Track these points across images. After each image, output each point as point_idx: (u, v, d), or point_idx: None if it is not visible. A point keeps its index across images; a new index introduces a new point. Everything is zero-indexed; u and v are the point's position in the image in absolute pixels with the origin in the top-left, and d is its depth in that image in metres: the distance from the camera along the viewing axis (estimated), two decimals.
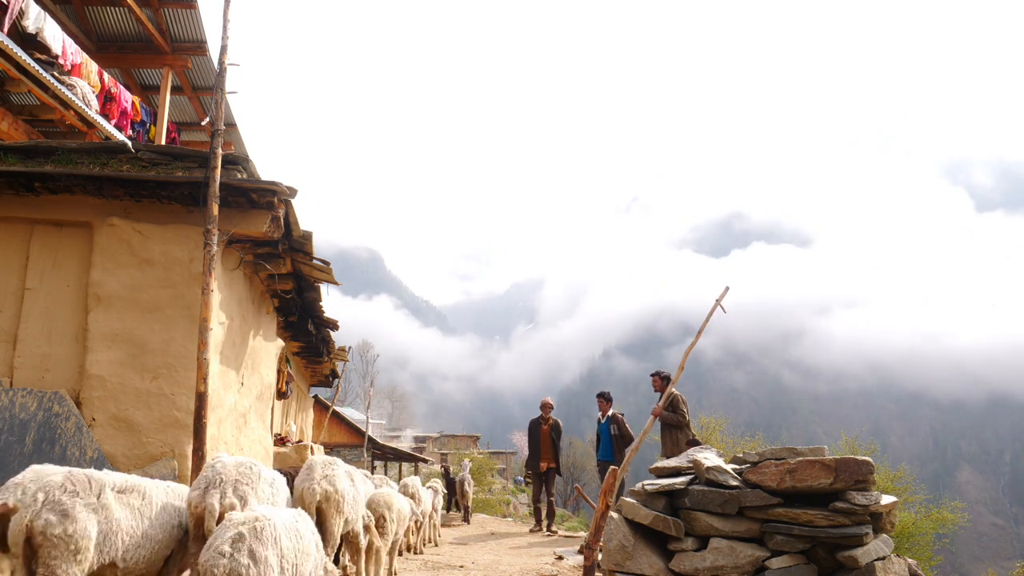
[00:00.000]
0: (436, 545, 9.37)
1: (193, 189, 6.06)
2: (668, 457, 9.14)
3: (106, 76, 10.52)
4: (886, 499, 4.91)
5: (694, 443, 8.58)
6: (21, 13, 8.38)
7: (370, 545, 5.57)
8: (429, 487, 9.74)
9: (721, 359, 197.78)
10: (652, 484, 5.26)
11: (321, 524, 4.51)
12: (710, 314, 8.88)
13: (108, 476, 3.36)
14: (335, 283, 8.45)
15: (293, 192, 6.39)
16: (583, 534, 10.63)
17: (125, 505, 3.37)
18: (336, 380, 18.00)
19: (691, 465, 5.36)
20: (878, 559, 4.72)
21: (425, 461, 33.20)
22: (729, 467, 5.18)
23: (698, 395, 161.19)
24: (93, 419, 5.84)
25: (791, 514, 4.75)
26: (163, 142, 11.92)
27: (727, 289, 9.25)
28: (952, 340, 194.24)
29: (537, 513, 11.87)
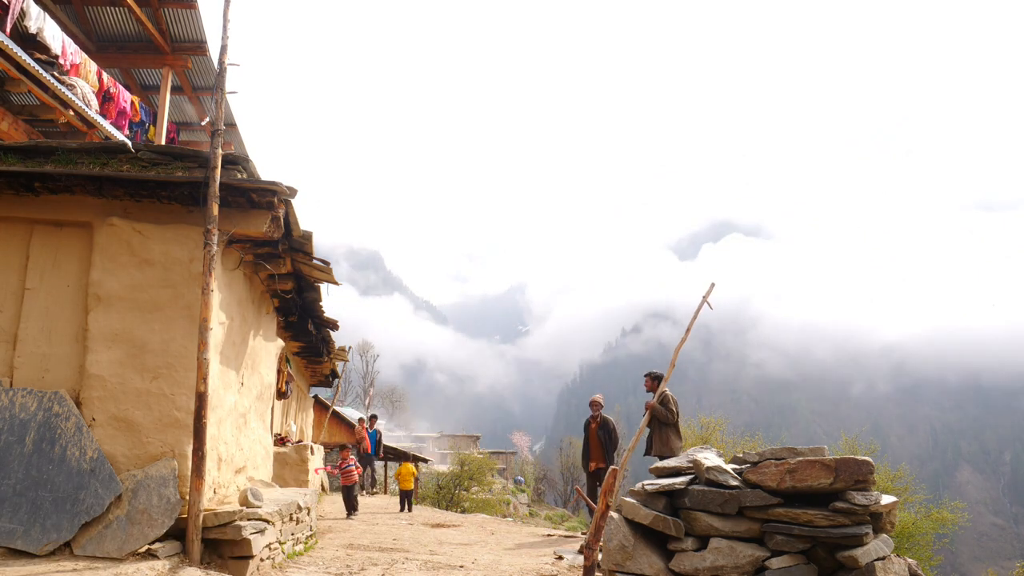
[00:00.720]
0: None
1: (193, 189, 6.06)
2: (658, 456, 9.15)
3: (105, 76, 10.53)
4: (886, 499, 4.91)
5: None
6: (22, 13, 8.39)
7: None
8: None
9: (722, 359, 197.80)
10: (652, 484, 5.25)
11: None
12: (698, 311, 8.90)
13: None
14: (335, 283, 8.45)
15: (293, 192, 6.39)
16: (583, 534, 10.62)
17: None
18: (336, 380, 18.02)
19: (691, 465, 5.36)
20: (878, 559, 4.72)
21: (425, 461, 33.20)
22: (729, 467, 5.18)
23: (698, 395, 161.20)
24: (93, 419, 5.83)
25: (791, 514, 4.75)
26: (163, 142, 11.93)
27: (713, 286, 9.27)
28: (950, 338, 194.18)
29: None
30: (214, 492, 6.42)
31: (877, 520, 4.88)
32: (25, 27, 8.50)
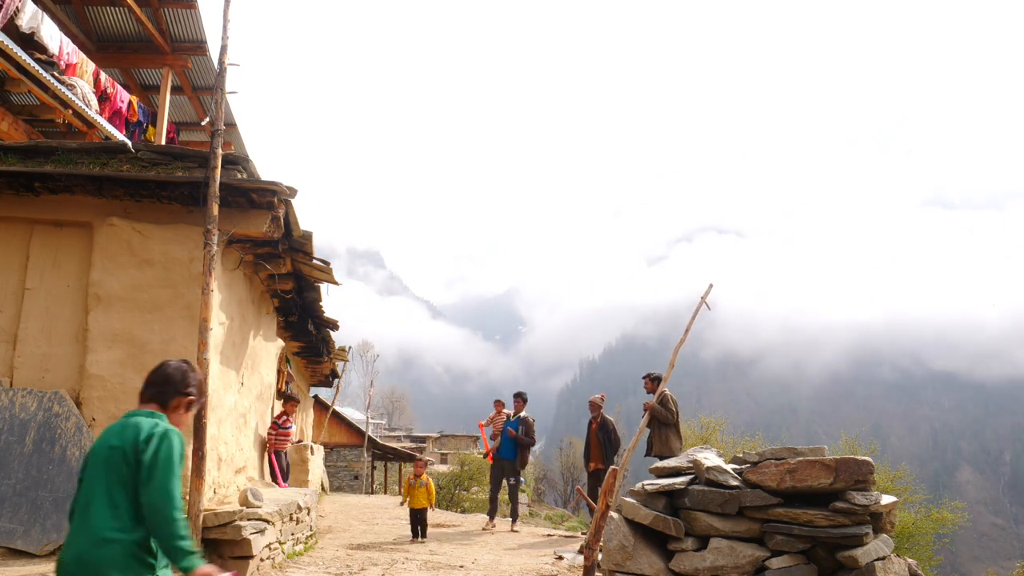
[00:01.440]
0: None
1: (193, 189, 6.06)
2: (658, 456, 9.14)
3: (102, 76, 10.51)
4: (886, 499, 4.90)
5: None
6: (16, 11, 8.36)
7: None
8: None
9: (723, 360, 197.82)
10: (652, 484, 5.25)
11: None
12: (696, 311, 8.92)
13: None
14: (335, 283, 8.45)
15: (293, 192, 6.39)
16: (583, 534, 10.62)
17: None
18: (336, 380, 18.01)
19: (691, 465, 5.36)
20: (878, 559, 4.72)
21: (426, 462, 33.10)
22: (729, 467, 5.17)
23: (698, 395, 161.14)
24: (93, 419, 5.83)
25: (791, 514, 4.75)
26: (163, 142, 11.92)
27: (711, 286, 9.29)
28: (950, 338, 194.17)
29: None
30: (214, 492, 6.42)
31: (877, 520, 4.87)
32: (18, 25, 8.45)
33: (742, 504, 4.89)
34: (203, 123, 13.68)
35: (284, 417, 10.34)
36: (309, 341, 11.67)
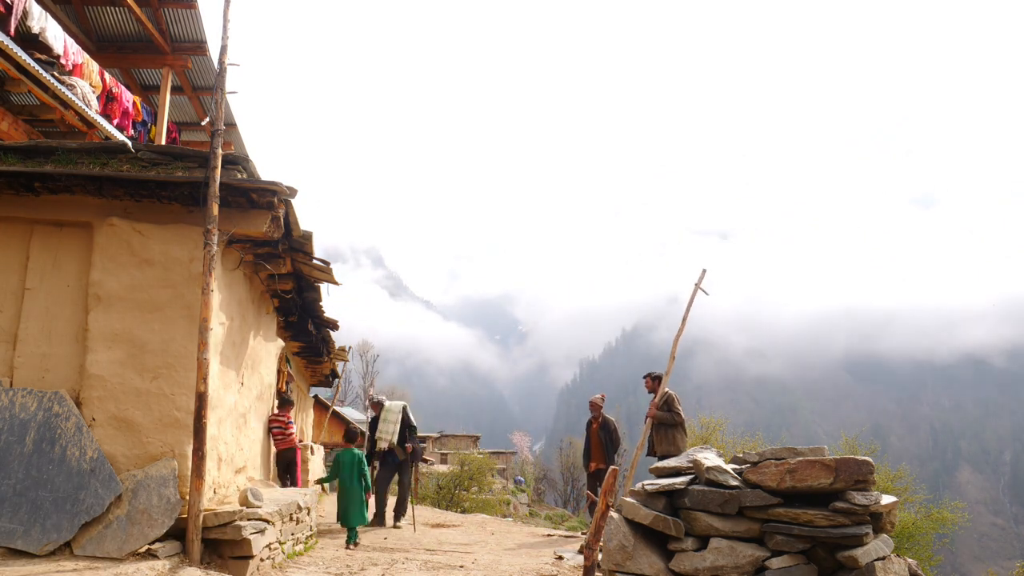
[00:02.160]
0: None
1: (193, 189, 6.06)
2: (662, 456, 9.14)
3: (107, 76, 10.53)
4: (886, 499, 4.90)
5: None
6: (25, 14, 8.39)
7: None
8: None
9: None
10: (652, 484, 5.25)
11: None
12: (692, 298, 8.91)
13: None
14: (335, 283, 8.45)
15: (293, 192, 6.39)
16: (583, 534, 10.62)
17: None
18: (336, 380, 18.00)
19: (691, 465, 5.36)
20: (878, 559, 4.72)
21: (426, 461, 33.18)
22: (729, 467, 5.17)
23: (698, 395, 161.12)
24: (93, 419, 5.83)
25: (791, 514, 4.75)
26: (163, 142, 11.93)
27: (704, 272, 9.29)
28: (950, 336, 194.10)
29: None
30: (214, 492, 6.42)
31: (877, 520, 4.87)
32: (28, 27, 8.50)
33: (742, 504, 4.89)
34: (203, 123, 13.68)
35: (278, 419, 10.05)
36: (309, 341, 11.66)
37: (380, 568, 6.92)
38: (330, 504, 14.97)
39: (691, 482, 5.16)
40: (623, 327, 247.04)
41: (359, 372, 49.67)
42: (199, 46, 11.90)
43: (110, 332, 5.98)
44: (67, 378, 5.98)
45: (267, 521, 6.13)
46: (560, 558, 8.17)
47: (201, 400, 5.56)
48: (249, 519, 5.87)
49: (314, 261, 7.79)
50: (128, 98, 11.12)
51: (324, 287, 9.01)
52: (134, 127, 11.31)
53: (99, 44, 11.87)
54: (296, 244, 7.37)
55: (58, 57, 9.08)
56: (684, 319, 8.82)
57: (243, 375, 7.63)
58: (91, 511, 5.49)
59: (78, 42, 10.50)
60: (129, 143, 6.35)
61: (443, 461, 43.22)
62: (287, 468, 10.26)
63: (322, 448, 17.22)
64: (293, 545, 7.20)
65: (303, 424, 16.41)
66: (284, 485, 9.93)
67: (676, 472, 5.41)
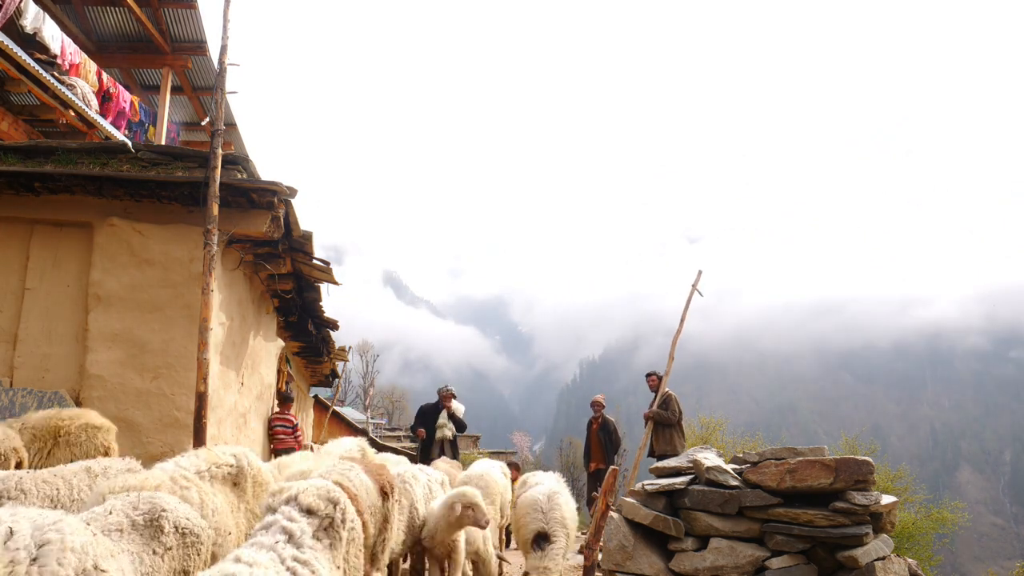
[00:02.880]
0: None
1: (193, 189, 6.06)
2: (660, 456, 9.14)
3: (104, 76, 10.52)
4: (886, 499, 4.90)
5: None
6: (18, 12, 8.36)
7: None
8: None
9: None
10: (652, 484, 5.25)
11: None
12: (689, 299, 8.93)
13: None
14: (335, 283, 8.44)
15: (293, 192, 6.38)
16: (583, 534, 10.61)
17: None
18: (336, 380, 17.99)
19: (691, 465, 5.36)
20: (878, 559, 4.72)
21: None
22: (729, 467, 5.17)
23: (698, 395, 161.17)
24: None
25: (791, 514, 4.75)
26: (163, 142, 11.92)
27: (700, 273, 9.32)
28: (949, 337, 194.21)
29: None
30: None
31: (877, 520, 4.87)
32: (22, 26, 8.47)
33: (742, 504, 4.89)
34: (203, 123, 13.68)
35: (284, 417, 9.72)
36: (309, 341, 11.66)
37: None
38: None
39: (691, 482, 5.15)
40: (623, 327, 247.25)
41: (359, 372, 49.70)
42: (199, 46, 11.89)
43: (110, 332, 5.98)
44: (67, 378, 5.98)
45: None
46: None
47: (201, 400, 5.56)
48: None
49: (314, 261, 7.78)
50: (126, 98, 11.11)
51: (324, 287, 9.00)
52: (130, 127, 11.30)
53: (99, 44, 11.87)
54: (296, 244, 7.37)
55: (55, 57, 9.07)
56: (682, 319, 8.85)
57: (243, 375, 7.63)
58: None
59: (78, 42, 10.50)
60: (129, 143, 6.35)
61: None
62: None
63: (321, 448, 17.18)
64: None
65: (303, 424, 16.40)
66: None
67: (676, 472, 5.41)
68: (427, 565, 5.30)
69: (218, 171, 5.91)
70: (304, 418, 17.01)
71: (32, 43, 8.68)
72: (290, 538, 2.64)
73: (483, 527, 4.88)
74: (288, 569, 2.46)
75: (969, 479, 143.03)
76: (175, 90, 12.82)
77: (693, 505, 5.00)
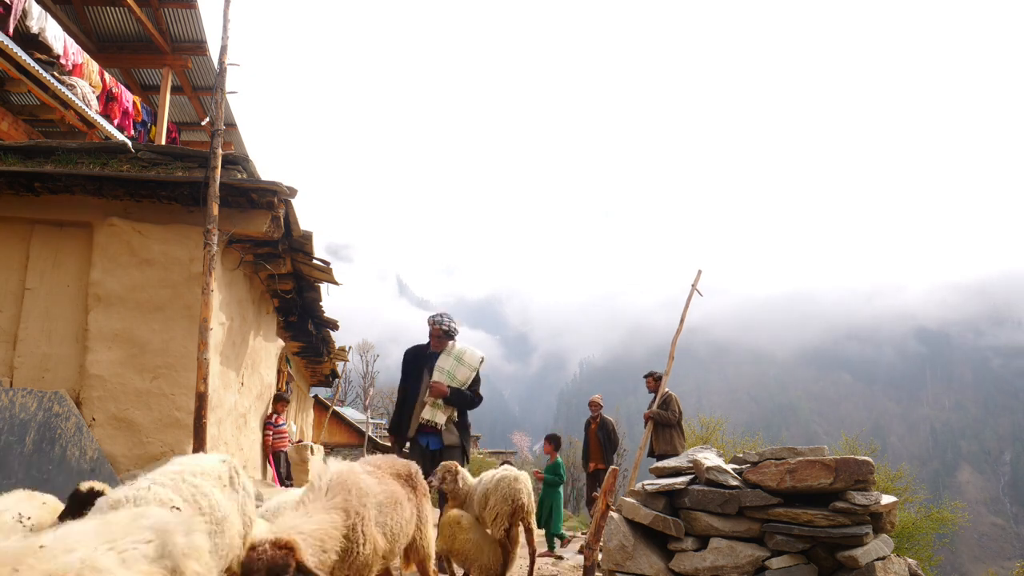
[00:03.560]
0: None
1: (193, 189, 6.06)
2: (660, 456, 9.15)
3: (107, 76, 10.53)
4: (886, 499, 4.90)
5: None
6: (24, 14, 8.39)
7: None
8: None
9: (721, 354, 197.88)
10: (652, 484, 5.25)
11: None
12: (688, 299, 8.94)
13: None
14: (335, 283, 8.45)
15: (293, 192, 6.39)
16: (583, 534, 10.61)
17: None
18: (336, 380, 18.00)
19: (691, 465, 5.36)
20: (878, 559, 4.72)
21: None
22: (729, 467, 5.17)
23: (698, 395, 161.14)
24: (93, 419, 5.84)
25: (791, 514, 4.75)
26: (163, 142, 11.93)
27: (700, 273, 9.32)
28: (950, 335, 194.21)
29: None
30: None
31: (877, 520, 4.87)
32: (27, 27, 8.49)
33: (742, 504, 4.89)
34: (203, 123, 13.67)
35: (275, 415, 9.77)
36: (309, 341, 11.67)
37: None
38: None
39: (691, 482, 5.15)
40: (623, 327, 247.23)
41: (359, 372, 49.70)
42: (199, 46, 11.89)
43: (110, 332, 5.98)
44: (67, 378, 5.98)
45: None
46: (560, 558, 8.17)
47: (201, 400, 5.56)
48: None
49: (314, 261, 7.79)
50: (128, 98, 11.12)
51: (324, 287, 9.01)
52: (134, 127, 11.32)
53: (99, 44, 11.87)
54: (296, 244, 7.37)
55: (58, 57, 9.08)
56: (682, 320, 8.85)
57: (243, 375, 7.63)
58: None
59: (78, 42, 10.50)
60: (129, 143, 6.35)
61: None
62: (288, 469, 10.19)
63: (322, 448, 17.20)
64: None
65: (303, 424, 16.40)
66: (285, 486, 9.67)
67: (676, 472, 5.41)
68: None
69: (218, 171, 5.90)
70: (304, 418, 17.01)
71: (35, 43, 8.69)
72: None
73: None
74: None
75: (969, 479, 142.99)
76: (175, 90, 12.82)
77: (693, 505, 5.00)
